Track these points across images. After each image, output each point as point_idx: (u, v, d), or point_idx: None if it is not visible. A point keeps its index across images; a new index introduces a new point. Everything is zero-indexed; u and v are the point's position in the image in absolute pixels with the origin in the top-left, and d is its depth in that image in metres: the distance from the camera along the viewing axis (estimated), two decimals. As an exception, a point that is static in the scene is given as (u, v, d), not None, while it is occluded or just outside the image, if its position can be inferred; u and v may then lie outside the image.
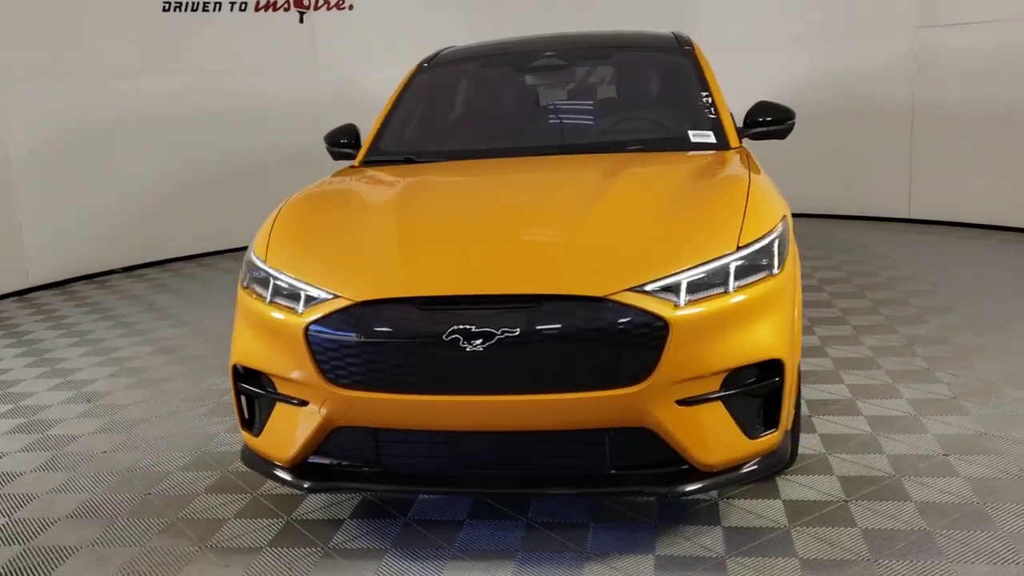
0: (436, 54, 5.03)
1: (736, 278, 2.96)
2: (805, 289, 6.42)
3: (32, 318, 6.93)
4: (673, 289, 2.89)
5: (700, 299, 2.89)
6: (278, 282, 3.13)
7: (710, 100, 4.30)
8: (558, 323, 2.83)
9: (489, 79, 4.88)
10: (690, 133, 4.14)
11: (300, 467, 3.12)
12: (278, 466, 3.14)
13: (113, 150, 8.21)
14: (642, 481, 2.93)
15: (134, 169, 8.30)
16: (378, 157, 4.40)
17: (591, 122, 4.53)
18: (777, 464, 3.08)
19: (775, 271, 3.06)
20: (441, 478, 3.02)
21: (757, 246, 3.05)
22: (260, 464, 3.21)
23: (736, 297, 2.93)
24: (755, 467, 3.01)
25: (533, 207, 3.38)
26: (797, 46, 9.06)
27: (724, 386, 2.92)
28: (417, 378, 2.90)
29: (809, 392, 4.43)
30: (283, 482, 3.11)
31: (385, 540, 3.23)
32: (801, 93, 8.86)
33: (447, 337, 2.83)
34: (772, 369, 2.99)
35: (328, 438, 3.08)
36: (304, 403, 3.05)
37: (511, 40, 5.11)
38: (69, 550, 3.29)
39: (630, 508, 3.34)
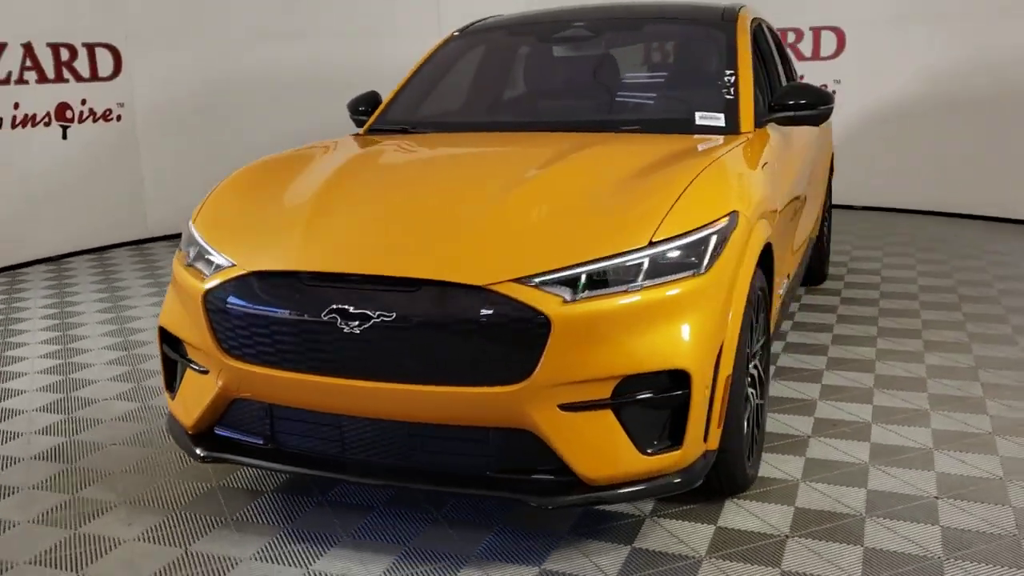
0: (473, 23, 4.85)
1: (647, 276, 2.66)
2: (894, 296, 5.81)
3: (134, 266, 7.34)
4: (570, 283, 2.63)
5: (597, 296, 2.62)
6: (198, 246, 3.10)
7: (732, 79, 3.90)
8: (433, 311, 2.65)
9: (508, 51, 4.67)
10: (697, 115, 3.78)
11: (203, 436, 3.08)
12: (185, 432, 3.12)
13: (240, 112, 8.52)
14: (519, 487, 2.69)
15: (258, 131, 8.58)
16: (383, 126, 4.30)
17: (598, 99, 4.23)
18: (683, 485, 2.75)
19: (701, 271, 2.72)
20: (329, 462, 2.90)
21: (679, 242, 2.73)
22: (174, 427, 3.20)
23: (641, 296, 2.63)
24: (644, 487, 2.70)
25: (457, 187, 3.17)
26: (938, 25, 8.19)
27: (616, 394, 2.63)
28: (300, 356, 2.80)
29: (825, 410, 3.98)
30: (184, 448, 3.09)
31: (290, 517, 3.15)
32: (945, 77, 8.03)
33: (325, 316, 2.71)
34: (678, 380, 2.67)
35: (229, 410, 3.04)
36: (206, 371, 3.01)
37: (554, 9, 4.85)
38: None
39: (550, 518, 3.09)
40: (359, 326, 2.67)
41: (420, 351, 2.66)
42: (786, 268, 4.12)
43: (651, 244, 2.69)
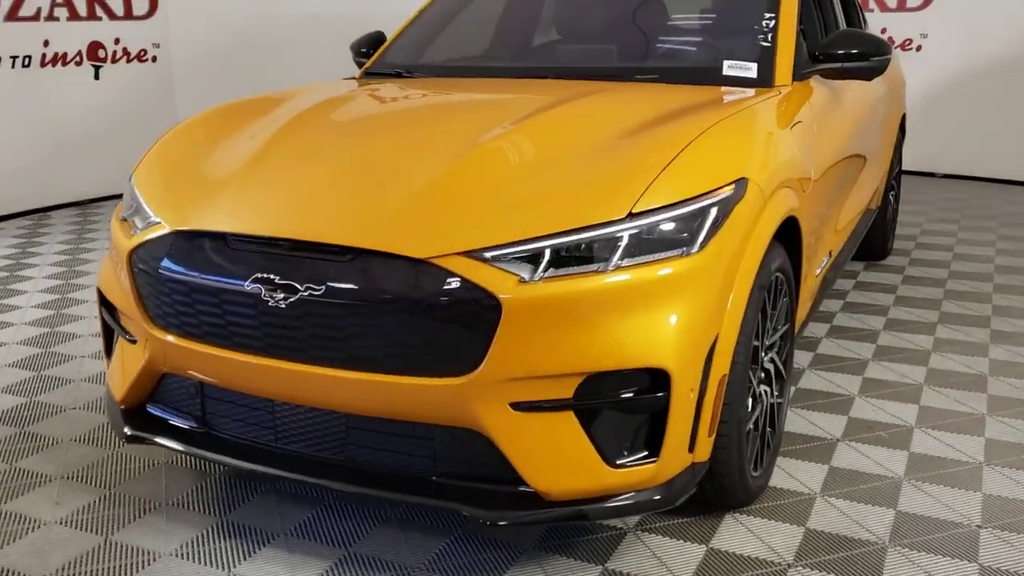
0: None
1: (625, 254, 2.21)
2: (965, 276, 5.20)
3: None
4: (530, 259, 2.20)
5: (562, 276, 2.19)
6: (134, 201, 2.75)
7: (772, 23, 3.36)
8: (367, 286, 2.24)
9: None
10: (725, 64, 3.26)
11: (134, 412, 2.75)
12: (117, 406, 2.79)
13: (280, 52, 8.16)
14: (466, 497, 2.29)
15: (300, 70, 8.19)
16: (380, 69, 3.88)
17: (616, 43, 3.72)
18: (660, 504, 2.32)
19: (692, 249, 2.26)
20: (261, 454, 2.53)
21: (667, 214, 2.26)
22: (108, 400, 2.88)
23: (615, 277, 2.19)
24: (611, 505, 2.27)
25: (416, 142, 2.72)
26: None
27: (579, 394, 2.20)
28: (225, 331, 2.43)
29: (862, 409, 3.47)
30: (113, 424, 2.77)
31: (231, 506, 2.82)
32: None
33: (250, 286, 2.33)
34: (655, 381, 2.22)
35: (161, 386, 2.70)
36: (135, 341, 2.67)
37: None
38: None
39: (516, 528, 2.68)
40: (285, 299, 2.29)
41: (352, 333, 2.26)
42: (826, 245, 3.60)
43: (631, 216, 2.24)
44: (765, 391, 2.81)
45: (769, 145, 2.71)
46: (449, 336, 2.20)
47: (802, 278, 3.10)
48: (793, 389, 3.63)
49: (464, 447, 2.30)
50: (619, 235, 2.22)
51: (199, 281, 2.43)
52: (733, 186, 2.41)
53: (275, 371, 2.37)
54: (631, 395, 2.23)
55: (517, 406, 2.20)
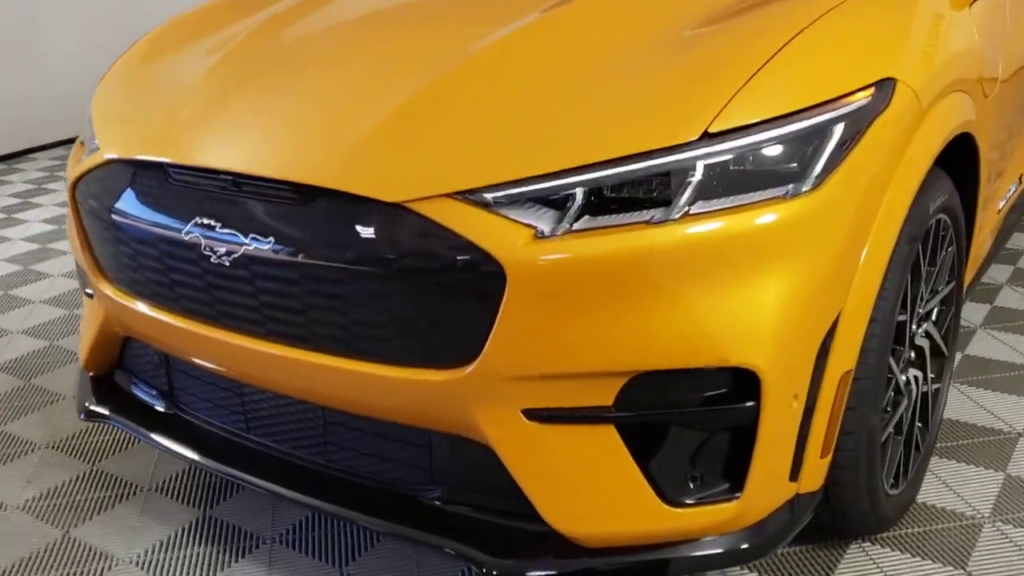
0: None
1: (699, 195, 1.48)
2: None
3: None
4: (554, 203, 1.50)
5: (599, 229, 1.47)
6: (88, 121, 2.18)
7: None
8: (323, 237, 1.60)
9: None
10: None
11: (103, 381, 2.23)
12: (84, 372, 2.28)
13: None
14: (462, 531, 1.65)
15: None
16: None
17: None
18: (745, 556, 1.61)
19: (803, 188, 1.50)
20: (231, 448, 1.97)
21: (762, 135, 1.51)
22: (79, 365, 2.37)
23: (681, 231, 1.46)
24: (669, 555, 1.58)
25: (403, 49, 1.94)
26: None
27: (624, 401, 1.50)
28: (169, 289, 1.86)
29: (1054, 387, 2.62)
30: (80, 394, 2.26)
31: (219, 497, 2.29)
32: None
33: (187, 236, 1.73)
34: (738, 385, 1.50)
35: (126, 351, 2.17)
36: (91, 294, 2.14)
37: None
38: None
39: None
40: (228, 254, 1.68)
41: (311, 302, 1.63)
42: (1016, 167, 2.70)
43: (707, 137, 1.49)
44: (915, 377, 2.03)
45: (932, 30, 1.87)
46: (435, 313, 1.54)
47: (977, 217, 2.25)
48: (959, 357, 2.79)
49: (467, 462, 1.66)
50: (688, 166, 1.48)
51: (137, 225, 1.85)
52: (872, 91, 1.61)
53: (230, 346, 1.78)
54: (702, 405, 1.52)
55: (533, 414, 1.53)
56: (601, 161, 1.48)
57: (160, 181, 1.82)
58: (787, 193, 1.49)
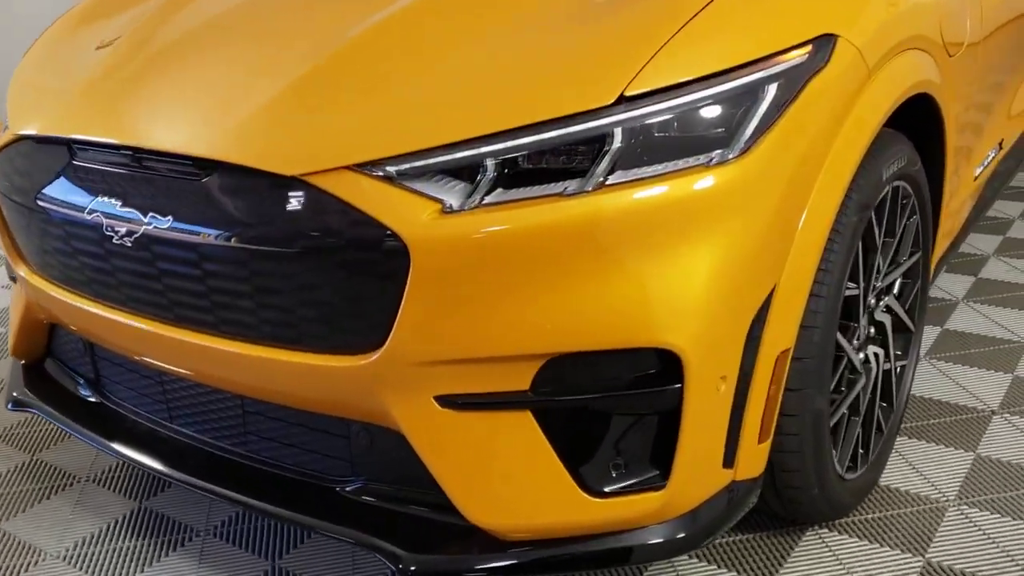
0: None
1: (617, 164, 1.37)
2: None
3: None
4: (464, 174, 1.39)
5: (511, 203, 1.37)
6: (6, 100, 2.09)
7: None
8: (221, 215, 1.51)
9: None
10: None
11: (34, 369, 2.15)
12: (15, 360, 2.21)
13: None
14: (379, 526, 1.56)
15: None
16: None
17: None
18: (674, 549, 1.51)
19: (731, 154, 1.39)
20: (156, 440, 1.88)
21: (685, 97, 1.39)
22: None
23: (598, 203, 1.36)
24: (591, 549, 1.49)
25: (308, 19, 1.81)
26: None
27: (541, 385, 1.41)
28: (80, 272, 1.77)
29: (1034, 362, 2.51)
30: (11, 381, 2.18)
31: (160, 486, 2.21)
32: None
33: (90, 215, 1.64)
34: (661, 367, 1.40)
35: (54, 337, 2.09)
36: (14, 277, 2.06)
37: None
38: None
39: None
40: (129, 235, 1.59)
41: (213, 285, 1.54)
42: (994, 133, 2.58)
43: (623, 101, 1.38)
44: (875, 354, 1.92)
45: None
46: (339, 296, 1.45)
47: (946, 185, 2.14)
48: (938, 332, 2.68)
49: (385, 452, 1.57)
50: (604, 132, 1.37)
51: (46, 206, 1.77)
52: (809, 48, 1.49)
53: (141, 333, 1.70)
54: (623, 389, 1.42)
55: (446, 401, 1.44)
56: (509, 129, 1.38)
57: (66, 159, 1.73)
58: (711, 160, 1.39)
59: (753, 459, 1.55)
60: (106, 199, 1.62)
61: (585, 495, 1.45)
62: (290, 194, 1.44)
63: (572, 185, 1.36)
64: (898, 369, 2.05)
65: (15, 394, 2.09)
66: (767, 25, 1.49)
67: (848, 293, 1.72)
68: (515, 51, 1.51)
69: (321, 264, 1.43)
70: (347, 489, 1.62)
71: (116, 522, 2.09)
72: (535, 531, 1.48)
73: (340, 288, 1.44)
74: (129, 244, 1.60)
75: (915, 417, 2.28)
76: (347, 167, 1.40)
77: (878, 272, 1.85)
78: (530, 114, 1.38)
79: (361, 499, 1.60)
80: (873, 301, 1.90)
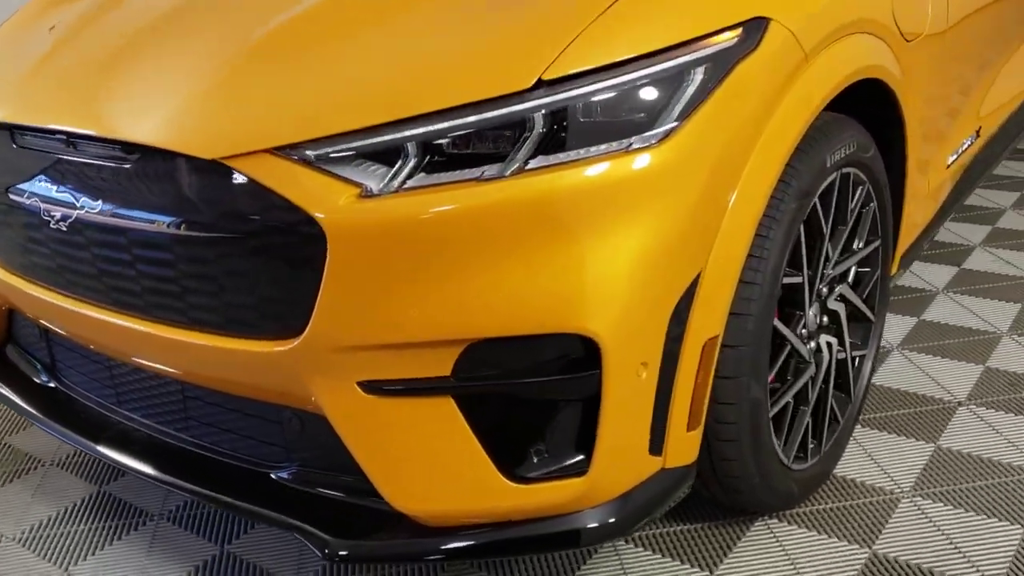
0: None
1: (538, 148, 1.36)
2: None
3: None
4: (384, 158, 1.39)
5: (431, 187, 1.36)
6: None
7: None
8: (147, 198, 1.52)
9: None
10: None
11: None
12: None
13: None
14: (306, 511, 1.57)
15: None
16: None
17: None
18: (596, 536, 1.50)
19: (653, 138, 1.37)
20: (102, 423, 1.89)
21: (606, 81, 1.38)
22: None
23: (516, 188, 1.35)
24: (513, 536, 1.48)
25: (234, 10, 1.80)
26: None
27: (462, 371, 1.40)
28: (26, 257, 1.79)
29: (1012, 357, 2.47)
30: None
31: (118, 471, 2.23)
32: None
33: (28, 199, 1.66)
34: (577, 353, 1.39)
35: (12, 322, 2.11)
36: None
37: None
38: None
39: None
40: (63, 220, 1.60)
41: (142, 270, 1.56)
42: (969, 120, 2.54)
43: (542, 85, 1.37)
44: (828, 343, 1.90)
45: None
46: (261, 280, 1.45)
47: (908, 172, 2.11)
48: (914, 323, 2.65)
49: (314, 438, 1.57)
50: (522, 116, 1.36)
51: (-9, 191, 1.78)
52: (739, 31, 1.48)
53: (82, 318, 1.71)
54: (542, 375, 1.41)
55: (369, 386, 1.44)
56: (428, 113, 1.37)
57: (8, 144, 1.74)
58: (631, 145, 1.37)
59: (683, 446, 1.54)
60: (43, 184, 1.63)
61: (507, 481, 1.44)
62: (211, 178, 1.44)
63: (491, 170, 1.36)
64: (856, 359, 2.02)
65: (-28, 382, 2.11)
66: (695, 8, 1.47)
67: (790, 281, 1.70)
68: (436, 35, 1.50)
69: (242, 249, 1.44)
70: (280, 475, 1.62)
71: (74, 506, 2.11)
72: (459, 517, 1.48)
73: (261, 273, 1.44)
74: (64, 229, 1.61)
75: (879, 407, 2.25)
76: (266, 151, 1.40)
77: (827, 260, 1.82)
78: (449, 98, 1.38)
79: (292, 485, 1.60)
80: (825, 289, 1.88)
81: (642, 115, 1.39)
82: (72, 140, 1.60)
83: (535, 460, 1.45)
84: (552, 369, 1.40)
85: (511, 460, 1.44)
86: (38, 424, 1.96)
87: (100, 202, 1.54)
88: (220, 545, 1.94)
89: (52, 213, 1.61)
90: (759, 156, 1.50)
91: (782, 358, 1.73)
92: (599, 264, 1.36)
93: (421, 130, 1.37)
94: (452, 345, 1.39)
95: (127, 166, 1.53)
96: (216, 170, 1.43)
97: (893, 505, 1.92)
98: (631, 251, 1.37)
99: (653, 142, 1.38)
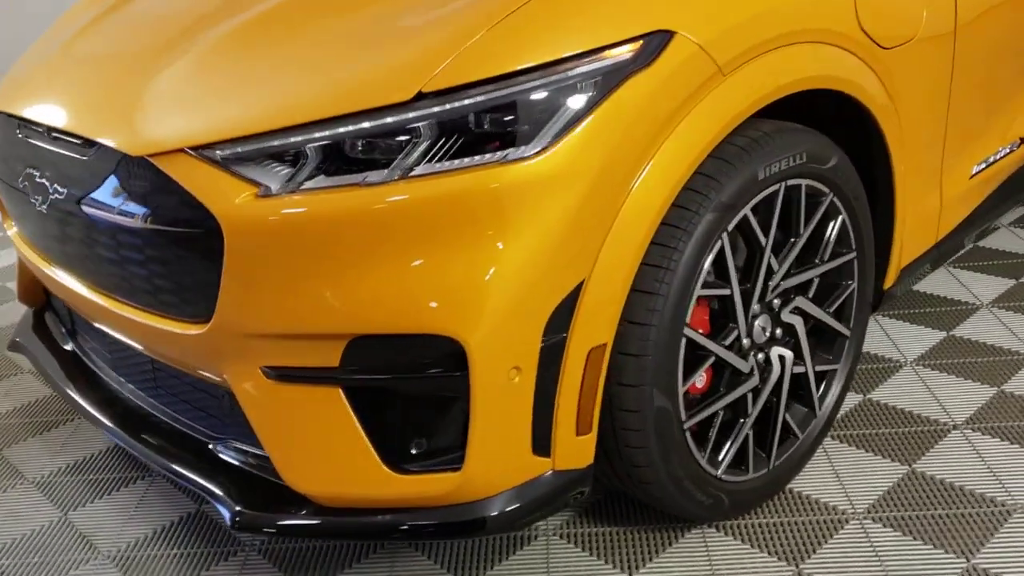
0: None
1: (420, 157, 1.44)
2: None
3: None
4: (288, 161, 1.50)
5: (318, 190, 1.47)
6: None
7: None
8: (94, 189, 1.70)
9: None
10: None
11: (35, 317, 2.43)
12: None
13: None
14: (227, 481, 1.70)
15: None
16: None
17: None
18: (474, 528, 1.57)
19: (529, 152, 1.43)
20: (104, 389, 2.10)
21: (485, 95, 1.44)
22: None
23: (397, 193, 1.43)
24: (393, 521, 1.56)
25: (189, 19, 1.93)
26: None
27: (349, 363, 1.50)
28: (26, 232, 2.02)
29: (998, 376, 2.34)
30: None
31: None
32: None
33: (21, 182, 1.87)
34: (447, 353, 1.45)
35: (49, 293, 2.36)
36: (13, 230, 2.34)
37: None
38: None
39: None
40: (43, 203, 1.80)
41: (98, 252, 1.74)
42: (1008, 128, 2.41)
43: (421, 97, 1.43)
44: (780, 356, 1.87)
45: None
46: (180, 269, 1.59)
47: (898, 185, 2.03)
48: (941, 337, 2.54)
49: (238, 415, 1.69)
50: (409, 126, 1.43)
51: (3, 172, 2.01)
52: (638, 44, 1.48)
53: (71, 290, 1.91)
54: (417, 372, 1.49)
55: (270, 372, 1.55)
56: (325, 119, 1.46)
57: (13, 133, 1.95)
58: (507, 156, 1.42)
59: (574, 450, 1.58)
60: (31, 170, 1.83)
61: (388, 470, 1.52)
62: (141, 173, 1.59)
63: (373, 176, 1.43)
64: (819, 373, 1.98)
65: (17, 339, 2.37)
66: (590, 21, 1.48)
67: (716, 293, 1.69)
68: (344, 46, 1.59)
69: (164, 239, 1.58)
70: (216, 447, 1.76)
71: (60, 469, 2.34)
72: (346, 500, 1.57)
73: (179, 262, 1.58)
74: (45, 210, 1.80)
75: (866, 424, 2.19)
76: (183, 150, 1.53)
77: (771, 273, 1.79)
78: (345, 105, 1.46)
79: (223, 457, 1.74)
80: (777, 302, 1.85)
81: (525, 127, 1.43)
82: (49, 133, 1.79)
83: (414, 452, 1.53)
84: (426, 367, 1.47)
85: (393, 451, 1.53)
86: (50, 384, 2.18)
87: (67, 189, 1.72)
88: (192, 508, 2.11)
89: (36, 196, 1.80)
90: (655, 169, 1.50)
91: (703, 369, 1.73)
92: (468, 270, 1.42)
93: (317, 135, 1.46)
94: (338, 339, 1.48)
95: (85, 159, 1.69)
96: (144, 166, 1.57)
97: (838, 526, 1.87)
98: (502, 258, 1.42)
99: (530, 154, 1.42)
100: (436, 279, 1.42)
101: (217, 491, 1.67)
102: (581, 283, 1.48)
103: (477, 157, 1.42)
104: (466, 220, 1.42)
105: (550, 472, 1.58)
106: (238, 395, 1.59)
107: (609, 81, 1.45)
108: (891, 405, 2.25)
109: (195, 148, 1.52)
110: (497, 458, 1.52)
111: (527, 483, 1.56)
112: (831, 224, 1.89)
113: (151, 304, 1.67)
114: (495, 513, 1.55)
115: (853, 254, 1.96)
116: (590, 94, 1.44)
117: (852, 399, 2.27)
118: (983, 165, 2.35)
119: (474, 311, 1.42)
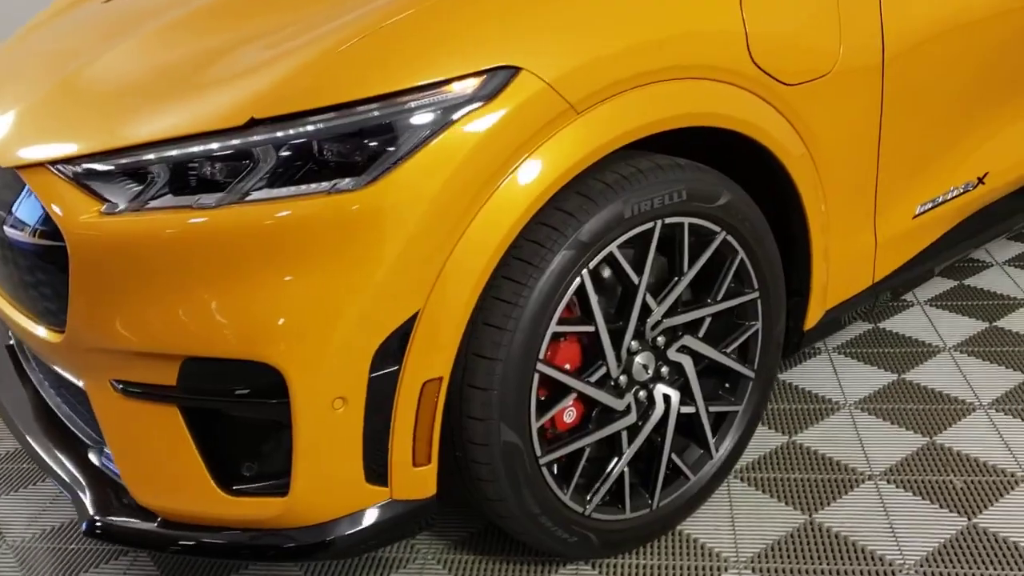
0: None
1: (249, 183, 1.47)
2: None
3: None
4: (136, 176, 1.53)
5: (155, 210, 1.49)
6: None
7: None
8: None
9: None
10: None
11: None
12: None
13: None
14: (95, 487, 1.75)
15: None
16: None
17: None
18: (296, 555, 1.58)
19: (356, 183, 1.43)
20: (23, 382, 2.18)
21: (320, 124, 1.45)
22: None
23: (223, 219, 1.46)
24: (227, 542, 1.59)
25: (100, 41, 1.99)
26: None
27: (185, 384, 1.53)
28: None
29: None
30: None
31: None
32: None
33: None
34: (268, 381, 1.47)
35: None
36: None
37: None
38: None
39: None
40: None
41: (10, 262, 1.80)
42: (963, 167, 2.31)
43: (252, 125, 1.44)
44: (665, 395, 1.83)
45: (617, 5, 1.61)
46: (44, 279, 1.64)
47: (812, 227, 1.96)
48: (893, 379, 2.45)
49: (103, 423, 1.74)
50: (245, 150, 1.45)
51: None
52: (480, 80, 1.47)
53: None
54: (241, 397, 1.50)
55: (120, 386, 1.59)
56: (164, 140, 1.49)
57: None
58: (335, 186, 1.42)
59: (413, 480, 1.57)
60: None
61: (219, 491, 1.54)
62: (11, 185, 1.64)
63: (208, 199, 1.45)
64: (716, 414, 1.93)
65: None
66: (431, 54, 1.47)
67: (576, 330, 1.67)
68: (204, 66, 1.62)
69: (33, 250, 1.63)
70: (91, 452, 1.81)
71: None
72: (185, 516, 1.60)
73: (45, 272, 1.62)
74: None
75: (779, 468, 2.12)
76: (43, 164, 1.57)
77: (647, 311, 1.75)
78: (188, 127, 1.48)
79: (94, 462, 1.79)
80: (662, 340, 1.81)
81: (358, 158, 1.43)
82: None
83: (245, 475, 1.55)
84: (251, 393, 1.49)
85: (226, 472, 1.55)
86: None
87: None
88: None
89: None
90: (496, 204, 1.48)
91: (563, 404, 1.70)
92: (288, 298, 1.42)
93: (165, 154, 1.49)
94: (172, 359, 1.51)
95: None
96: (14, 177, 1.62)
97: (717, 574, 1.82)
98: (327, 288, 1.42)
99: (358, 186, 1.42)
100: (259, 306, 1.43)
101: (79, 495, 1.71)
102: (415, 315, 1.47)
103: (311, 185, 1.43)
104: (293, 248, 1.43)
105: (388, 501, 1.57)
106: (93, 405, 1.63)
107: (447, 115, 1.44)
108: (814, 450, 2.18)
109: (54, 163, 1.56)
110: (325, 485, 1.52)
111: (364, 511, 1.56)
112: (727, 263, 1.84)
113: (34, 309, 1.72)
114: (332, 538, 1.55)
115: (755, 294, 1.90)
116: (426, 127, 1.43)
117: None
118: (930, 205, 2.26)
119: (294, 340, 1.42)
